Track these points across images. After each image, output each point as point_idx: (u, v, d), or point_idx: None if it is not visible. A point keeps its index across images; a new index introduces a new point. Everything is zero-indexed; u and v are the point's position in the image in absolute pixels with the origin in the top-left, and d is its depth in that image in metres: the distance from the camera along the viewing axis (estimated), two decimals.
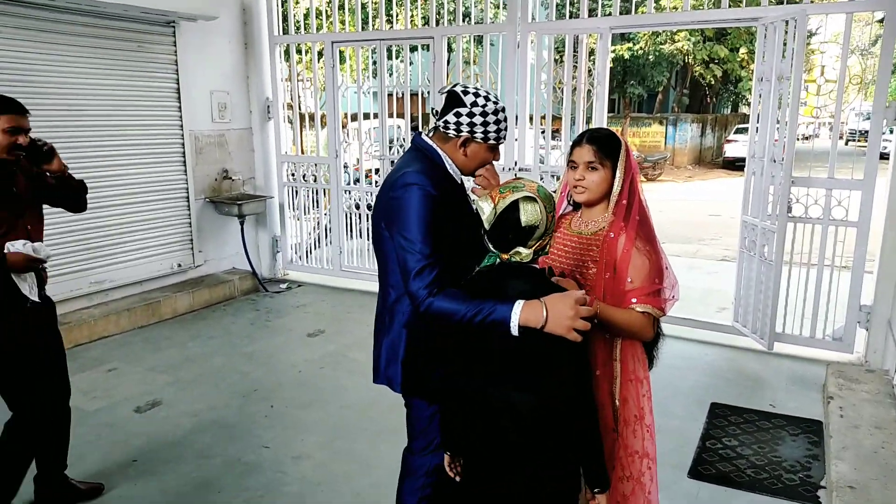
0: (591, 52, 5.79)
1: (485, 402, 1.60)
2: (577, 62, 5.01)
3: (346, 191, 6.28)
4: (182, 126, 5.63)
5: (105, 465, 3.10)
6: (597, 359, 1.89)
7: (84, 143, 4.86)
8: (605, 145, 1.90)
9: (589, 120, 5.12)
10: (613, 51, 19.77)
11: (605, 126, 4.40)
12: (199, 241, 5.87)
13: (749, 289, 4.63)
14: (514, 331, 1.51)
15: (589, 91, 4.96)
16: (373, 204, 6.19)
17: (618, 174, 1.89)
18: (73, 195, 2.74)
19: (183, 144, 5.66)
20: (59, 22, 4.66)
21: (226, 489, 2.95)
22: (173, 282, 5.67)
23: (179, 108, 5.59)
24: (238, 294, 5.98)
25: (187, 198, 5.73)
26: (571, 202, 2.04)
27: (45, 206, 2.69)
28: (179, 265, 5.71)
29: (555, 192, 2.12)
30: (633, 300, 1.83)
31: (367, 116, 6.40)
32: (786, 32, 4.19)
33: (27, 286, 2.48)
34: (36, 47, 4.56)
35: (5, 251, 2.40)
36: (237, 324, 5.27)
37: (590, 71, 5.00)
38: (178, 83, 5.55)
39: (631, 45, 20.34)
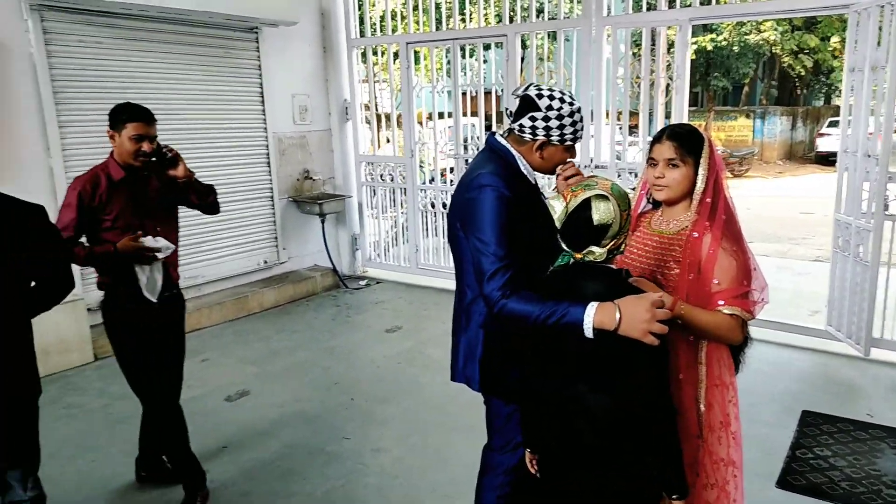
0: (671, 45, 5.63)
1: (560, 403, 1.60)
2: (655, 55, 4.88)
3: (421, 190, 6.37)
4: (266, 128, 5.87)
5: (197, 450, 3.27)
6: (680, 362, 1.85)
7: (178, 147, 5.11)
8: (686, 141, 1.85)
9: (668, 115, 4.98)
10: (695, 42, 19.05)
11: (686, 121, 4.27)
12: (283, 239, 6.11)
13: (843, 291, 4.38)
14: (588, 333, 1.50)
15: (668, 85, 4.83)
16: (448, 203, 6.31)
17: (701, 171, 1.84)
18: (202, 199, 2.82)
19: (267, 146, 5.90)
20: (153, 31, 4.96)
21: (309, 478, 3.07)
22: (260, 278, 5.92)
23: (263, 111, 5.83)
24: (320, 290, 6.17)
25: (272, 197, 5.97)
26: (651, 200, 2.00)
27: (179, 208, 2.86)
28: (265, 262, 5.96)
29: (633, 189, 2.09)
30: (720, 302, 1.77)
31: (441, 116, 6.47)
32: (880, 19, 3.94)
33: (144, 278, 2.59)
34: (133, 55, 4.87)
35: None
36: (319, 319, 5.45)
37: (669, 65, 4.86)
38: (261, 87, 5.79)
39: (714, 35, 19.54)
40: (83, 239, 2.63)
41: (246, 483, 3.02)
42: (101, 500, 2.92)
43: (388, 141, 6.77)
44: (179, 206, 2.86)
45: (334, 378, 4.21)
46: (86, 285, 4.55)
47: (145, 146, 2.57)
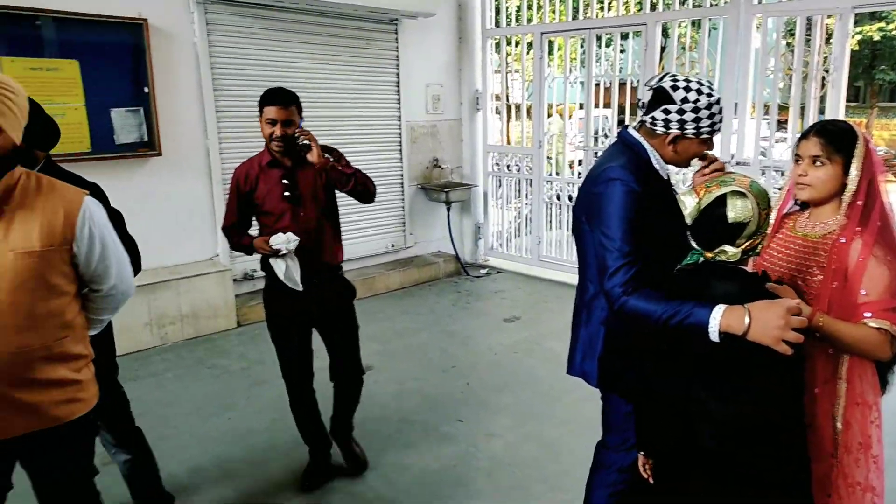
0: (829, 35, 5.17)
1: (681, 405, 1.56)
2: (810, 46, 4.52)
3: (547, 181, 6.33)
4: (400, 117, 6.08)
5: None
6: (817, 375, 1.74)
7: (319, 133, 5.44)
8: (835, 138, 1.71)
9: (822, 111, 4.60)
10: (858, 32, 17.32)
11: (842, 117, 3.93)
12: (410, 225, 6.32)
13: None
14: (714, 336, 1.45)
15: (823, 78, 4.45)
16: (574, 196, 6.23)
17: (853, 171, 1.70)
18: (342, 187, 2.70)
19: (400, 134, 6.11)
20: (302, 23, 5.28)
21: (424, 454, 3.19)
22: (386, 260, 6.18)
23: (398, 100, 6.04)
24: (442, 276, 6.33)
25: (402, 184, 6.19)
26: (798, 201, 1.88)
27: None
28: (392, 245, 6.21)
29: (779, 189, 1.97)
30: (867, 314, 1.64)
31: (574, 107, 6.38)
32: None
33: (281, 270, 2.64)
34: (283, 45, 5.22)
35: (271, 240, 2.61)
36: (440, 304, 5.60)
37: (826, 56, 4.48)
38: (398, 77, 5.99)
39: (883, 24, 17.64)
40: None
41: (368, 453, 3.17)
42: (237, 453, 3.20)
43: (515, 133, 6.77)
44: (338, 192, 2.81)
45: (452, 361, 4.32)
46: (233, 257, 4.98)
47: (277, 130, 2.56)
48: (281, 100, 2.56)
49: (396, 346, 4.61)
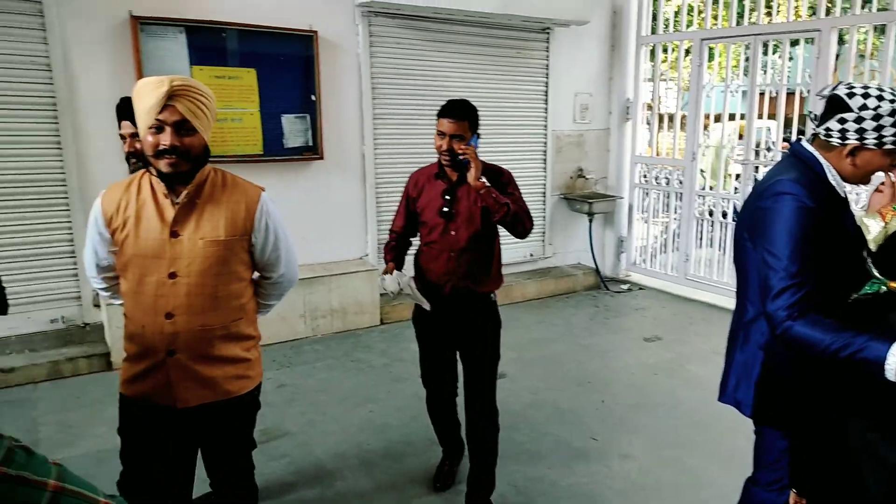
0: None
1: (847, 447, 1.43)
2: None
3: (699, 196, 6.02)
4: (546, 126, 6.07)
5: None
6: None
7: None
8: None
9: None
10: None
11: None
12: (550, 234, 6.28)
13: None
14: (891, 376, 1.31)
15: None
16: (728, 211, 5.88)
17: None
18: (493, 216, 2.50)
19: (545, 143, 6.10)
20: (456, 33, 5.44)
21: (555, 467, 3.15)
22: (525, 269, 6.18)
23: (546, 109, 6.03)
24: (580, 288, 6.23)
25: (544, 193, 6.17)
26: None
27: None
28: (531, 255, 6.20)
29: None
30: None
31: (731, 117, 6.02)
32: None
33: (408, 293, 2.63)
34: (438, 55, 5.40)
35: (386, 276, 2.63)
36: (577, 316, 5.51)
37: None
38: (546, 85, 5.99)
39: None
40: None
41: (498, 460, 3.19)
42: (376, 444, 3.36)
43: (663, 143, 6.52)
44: None
45: (587, 376, 4.24)
46: (380, 258, 5.23)
47: (444, 143, 2.49)
48: (453, 113, 2.48)
49: (531, 355, 4.59)
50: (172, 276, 1.79)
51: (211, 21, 4.39)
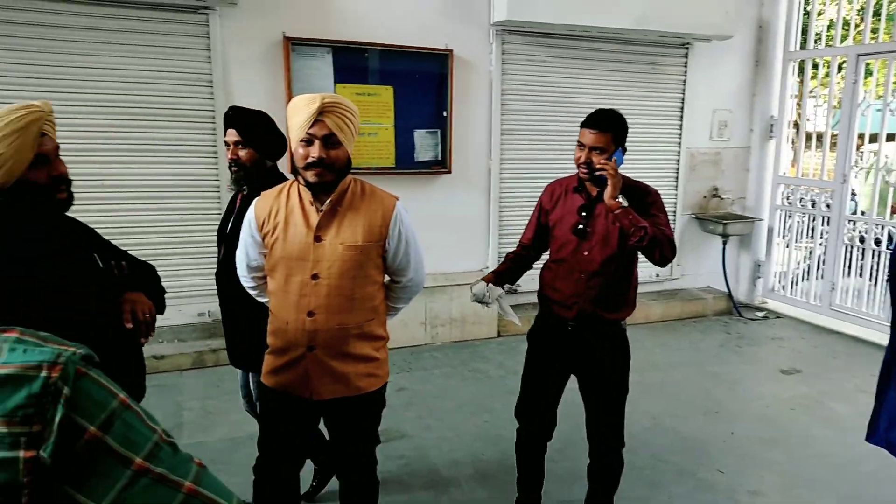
0: None
1: None
2: None
3: (849, 220, 5.54)
4: (680, 143, 5.85)
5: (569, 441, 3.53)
6: None
7: None
8: None
9: None
10: None
11: None
12: (679, 255, 6.03)
13: None
14: None
15: None
16: (882, 239, 5.35)
17: None
18: (634, 240, 2.30)
19: (678, 161, 5.88)
20: (590, 50, 5.38)
21: (675, 497, 3.03)
22: (650, 290, 5.98)
23: (680, 125, 5.82)
24: (709, 313, 5.93)
25: (674, 212, 5.95)
26: None
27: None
28: (657, 275, 5.98)
29: None
30: None
31: (890, 138, 5.50)
32: None
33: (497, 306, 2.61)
34: (569, 72, 5.36)
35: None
36: (705, 342, 5.25)
37: None
38: (682, 101, 5.78)
39: None
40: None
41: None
42: (491, 454, 3.39)
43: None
44: None
45: (714, 406, 4.02)
46: None
47: (583, 155, 2.34)
48: (595, 123, 2.32)
49: (652, 379, 4.43)
50: (315, 277, 1.94)
51: (355, 42, 4.67)
